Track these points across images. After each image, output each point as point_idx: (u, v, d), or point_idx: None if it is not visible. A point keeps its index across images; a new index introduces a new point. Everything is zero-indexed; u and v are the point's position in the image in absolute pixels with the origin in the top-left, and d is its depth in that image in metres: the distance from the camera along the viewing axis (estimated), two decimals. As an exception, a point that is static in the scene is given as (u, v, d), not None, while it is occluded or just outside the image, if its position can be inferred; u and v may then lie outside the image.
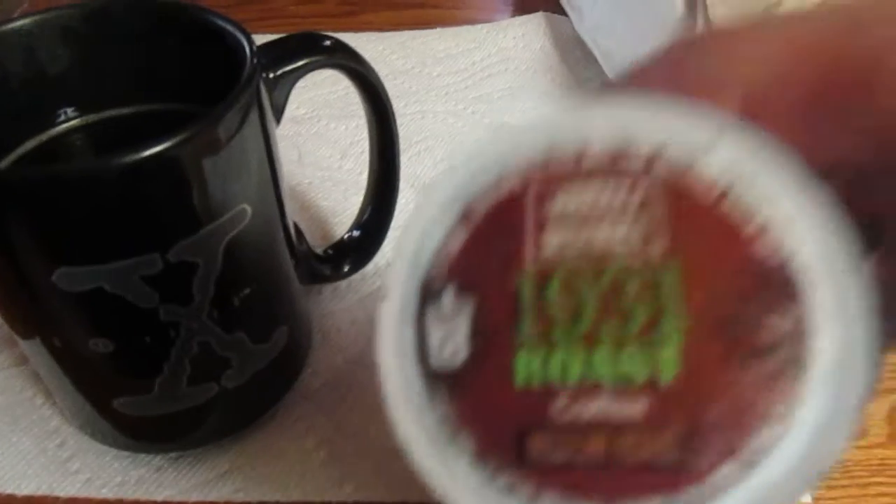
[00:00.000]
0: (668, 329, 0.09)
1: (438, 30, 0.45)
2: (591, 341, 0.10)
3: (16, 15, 0.49)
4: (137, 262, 0.18)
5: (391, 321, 0.10)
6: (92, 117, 0.23)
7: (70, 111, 0.23)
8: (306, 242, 0.27)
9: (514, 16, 0.47)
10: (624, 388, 0.09)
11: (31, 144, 0.23)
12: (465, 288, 0.10)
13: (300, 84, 0.23)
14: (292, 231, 0.24)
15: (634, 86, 0.12)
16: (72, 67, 0.23)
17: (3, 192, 0.17)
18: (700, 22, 0.33)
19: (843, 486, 0.24)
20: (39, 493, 0.24)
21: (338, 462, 0.24)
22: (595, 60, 0.40)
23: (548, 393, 0.10)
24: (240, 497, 0.23)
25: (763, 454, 0.09)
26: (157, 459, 0.24)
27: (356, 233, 0.28)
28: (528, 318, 0.10)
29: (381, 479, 0.24)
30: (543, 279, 0.10)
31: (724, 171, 0.10)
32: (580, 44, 0.42)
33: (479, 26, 0.45)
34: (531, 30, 0.45)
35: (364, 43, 0.24)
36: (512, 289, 0.10)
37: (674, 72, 0.11)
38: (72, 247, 0.18)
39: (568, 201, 0.10)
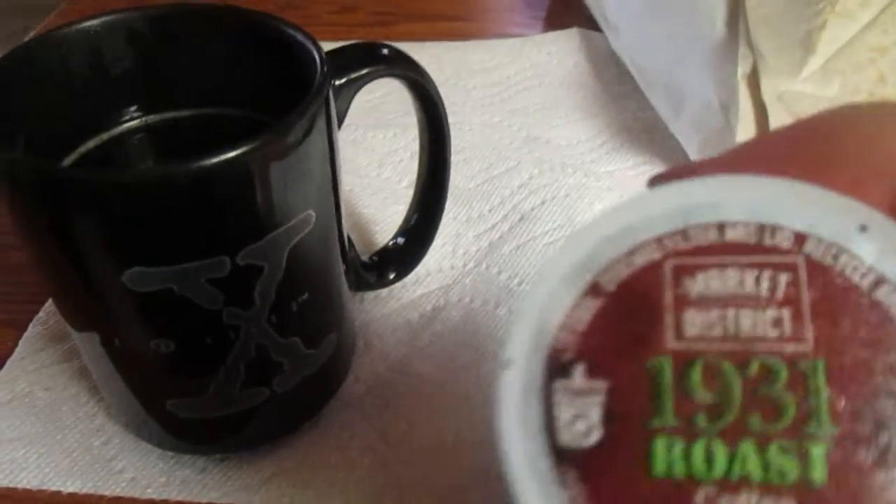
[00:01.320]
0: (819, 426, 0.09)
1: (473, 42, 0.46)
2: (736, 433, 0.09)
3: (51, 16, 0.49)
4: (207, 264, 0.18)
5: (515, 391, 0.10)
6: (153, 118, 0.23)
7: (132, 111, 0.23)
8: (354, 249, 0.27)
9: (547, 31, 0.47)
10: (772, 485, 0.09)
11: (93, 143, 0.23)
12: (598, 365, 0.10)
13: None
14: (346, 239, 0.24)
15: (762, 159, 0.11)
16: (136, 69, 0.23)
17: (81, 191, 0.17)
18: (741, 43, 0.33)
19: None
20: (84, 491, 0.24)
21: (381, 470, 0.24)
22: (630, 77, 0.40)
23: (690, 484, 0.09)
24: (284, 502, 0.23)
25: None
26: (202, 461, 0.24)
27: (400, 240, 0.28)
28: (667, 402, 0.09)
29: (425, 487, 0.24)
30: (684, 363, 0.09)
31: (877, 261, 0.09)
32: (615, 60, 0.42)
33: (513, 40, 0.46)
34: (565, 45, 0.45)
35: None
36: (649, 370, 0.10)
37: (813, 152, 0.11)
38: (145, 248, 0.18)
39: (710, 279, 0.10)
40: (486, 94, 0.41)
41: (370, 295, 0.29)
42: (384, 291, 0.29)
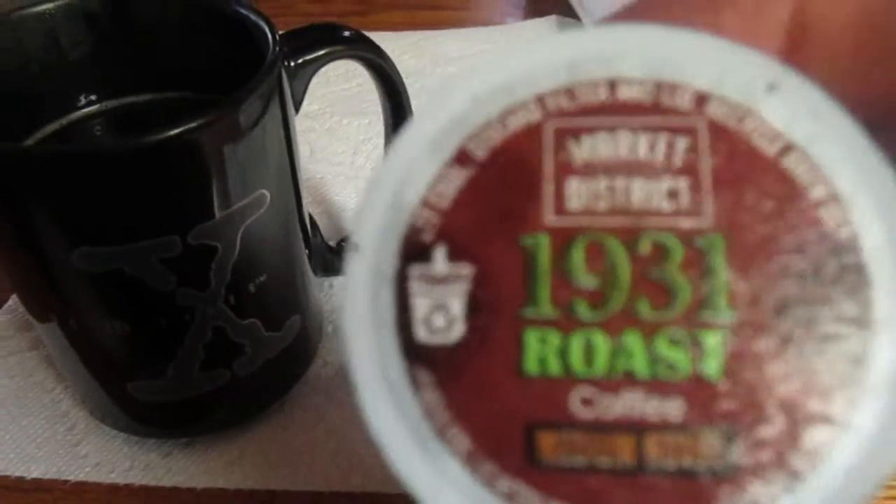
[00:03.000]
0: (715, 312, 0.08)
1: (451, 31, 0.46)
2: (622, 323, 0.08)
3: None
4: (157, 243, 0.18)
5: (364, 279, 0.08)
6: (112, 103, 0.23)
7: (90, 96, 0.23)
8: (320, 234, 0.27)
9: (526, 19, 0.47)
10: (660, 381, 0.08)
11: (50, 128, 0.23)
12: (462, 247, 0.08)
13: (313, 80, 0.23)
14: (307, 222, 0.24)
15: (664, 4, 0.10)
16: (93, 53, 0.23)
17: (25, 168, 0.17)
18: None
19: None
20: (48, 476, 0.24)
21: (347, 453, 0.24)
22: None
23: (566, 383, 0.08)
24: (248, 485, 0.23)
25: (812, 463, 0.08)
26: (167, 445, 0.24)
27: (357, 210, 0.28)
28: (543, 289, 0.08)
29: (390, 470, 0.24)
30: (564, 241, 0.08)
31: (786, 125, 0.08)
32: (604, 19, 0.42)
33: (491, 28, 0.46)
34: (543, 33, 0.45)
35: (377, 41, 0.24)
36: (523, 251, 0.08)
37: None
38: (92, 226, 0.18)
39: (597, 144, 0.08)
40: (462, 81, 0.41)
41: (339, 280, 0.29)
42: (353, 277, 0.29)
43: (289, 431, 0.25)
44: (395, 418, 0.08)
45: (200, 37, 0.23)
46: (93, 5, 0.22)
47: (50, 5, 0.22)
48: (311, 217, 0.26)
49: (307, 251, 0.24)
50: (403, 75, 0.25)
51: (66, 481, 0.24)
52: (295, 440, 0.25)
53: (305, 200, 0.24)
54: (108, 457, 0.24)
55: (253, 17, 0.21)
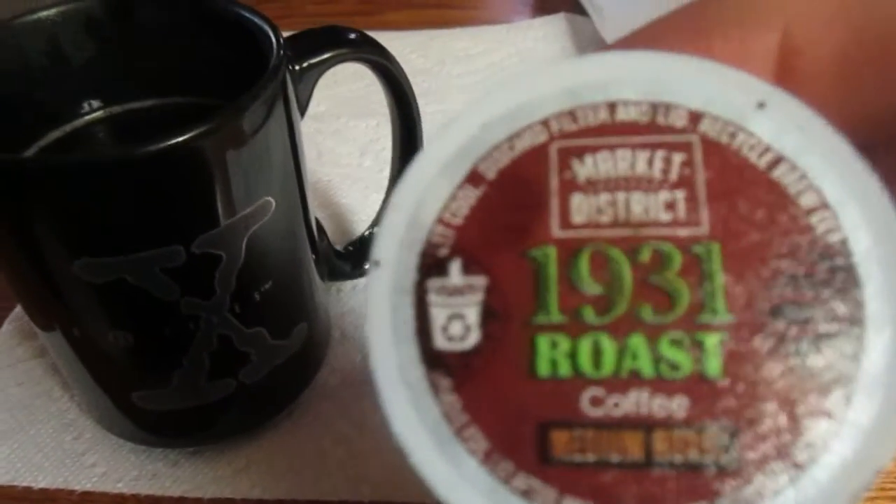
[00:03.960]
0: (713, 314, 0.08)
1: (458, 30, 0.45)
2: (626, 326, 0.08)
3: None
4: (160, 253, 0.18)
5: (384, 292, 0.09)
6: (115, 109, 0.23)
7: (94, 103, 0.23)
8: (327, 239, 0.26)
9: (534, 17, 0.46)
10: (664, 380, 0.08)
11: (54, 136, 0.22)
12: (476, 260, 0.09)
13: (320, 82, 0.23)
14: (314, 227, 0.24)
15: (658, 35, 0.10)
16: (96, 59, 0.23)
17: (26, 178, 0.17)
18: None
19: (873, 499, 0.23)
20: (55, 486, 0.24)
21: (355, 461, 0.24)
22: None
23: (576, 384, 0.08)
24: (256, 494, 0.23)
25: (812, 455, 0.08)
26: (174, 454, 0.24)
27: (377, 229, 0.28)
28: (551, 297, 0.09)
29: (399, 479, 0.23)
30: (570, 252, 0.09)
31: (774, 139, 0.09)
32: (602, 45, 0.42)
33: (498, 26, 0.45)
34: (552, 31, 0.44)
35: (383, 41, 0.24)
36: (532, 262, 0.09)
37: (693, 19, 0.10)
38: (93, 237, 0.18)
39: (599, 161, 0.09)
40: (470, 81, 0.41)
41: (347, 285, 0.29)
42: (361, 281, 0.29)
43: (297, 439, 0.24)
44: (415, 421, 0.08)
45: (204, 41, 0.22)
46: (95, 11, 0.22)
47: (51, 11, 0.22)
48: (317, 221, 0.25)
49: (314, 256, 0.24)
50: (410, 75, 0.25)
51: (72, 491, 0.23)
52: (303, 448, 0.24)
53: (312, 204, 0.23)
54: (115, 466, 0.24)
55: (257, 20, 0.21)
